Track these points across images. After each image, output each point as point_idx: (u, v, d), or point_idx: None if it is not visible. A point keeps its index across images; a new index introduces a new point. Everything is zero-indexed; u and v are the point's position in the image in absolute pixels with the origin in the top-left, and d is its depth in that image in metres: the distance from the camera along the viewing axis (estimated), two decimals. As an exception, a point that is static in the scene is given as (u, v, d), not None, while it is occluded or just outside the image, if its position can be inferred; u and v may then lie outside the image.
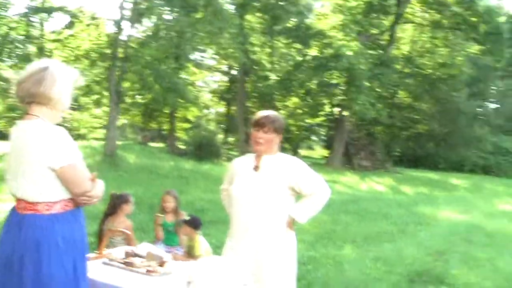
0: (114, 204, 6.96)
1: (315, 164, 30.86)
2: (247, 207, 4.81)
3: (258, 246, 4.79)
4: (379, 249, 11.38)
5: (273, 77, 40.90)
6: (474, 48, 46.70)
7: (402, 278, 8.84)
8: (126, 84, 28.39)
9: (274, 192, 4.77)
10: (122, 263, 4.57)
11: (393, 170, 42.16)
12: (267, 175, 4.82)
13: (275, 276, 4.79)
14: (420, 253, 11.07)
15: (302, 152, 57.72)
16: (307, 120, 47.54)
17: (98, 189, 3.92)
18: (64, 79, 3.87)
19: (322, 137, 58.86)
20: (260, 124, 4.85)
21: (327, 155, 47.22)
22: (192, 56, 38.50)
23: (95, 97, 32.78)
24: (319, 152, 61.97)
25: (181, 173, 24.46)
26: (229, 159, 33.27)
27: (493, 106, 72.43)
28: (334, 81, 39.74)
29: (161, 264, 4.52)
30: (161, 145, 45.53)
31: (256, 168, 4.88)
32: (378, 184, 28.49)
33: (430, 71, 49.97)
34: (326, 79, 39.06)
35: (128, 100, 36.01)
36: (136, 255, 4.71)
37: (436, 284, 8.58)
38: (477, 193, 29.62)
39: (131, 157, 27.13)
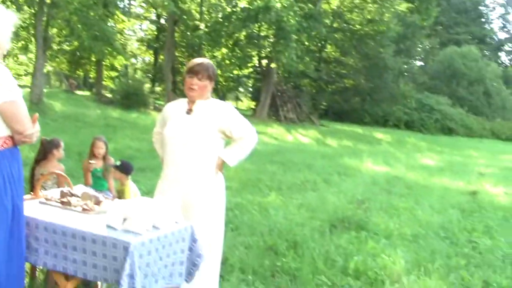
0: (45, 150, 6.93)
1: (242, 115, 31.07)
2: (180, 148, 5.01)
3: (189, 186, 5.01)
4: (303, 196, 11.76)
5: (202, 27, 40.70)
6: (403, 6, 47.42)
7: (325, 223, 9.21)
8: (53, 31, 27.92)
9: (206, 135, 4.98)
10: (59, 202, 4.71)
11: (319, 123, 42.73)
12: (199, 118, 5.02)
13: (205, 215, 5.03)
14: (342, 201, 11.46)
15: (229, 103, 57.92)
16: (235, 72, 47.61)
17: (36, 129, 4.04)
18: (1, 21, 3.91)
19: (249, 89, 59.07)
20: (194, 72, 5.03)
21: (254, 107, 47.53)
22: (120, 4, 38.02)
23: (21, 43, 32.22)
24: (246, 103, 62.27)
25: (108, 121, 24.43)
26: (156, 109, 33.35)
27: (418, 63, 73.88)
28: (263, 33, 39.83)
29: (97, 203, 4.68)
30: (87, 93, 45.00)
31: (189, 111, 5.07)
32: (303, 136, 28.98)
33: (359, 26, 50.53)
34: (255, 31, 39.13)
35: (55, 47, 35.42)
36: (72, 195, 4.85)
37: (357, 230, 8.97)
38: (400, 147, 30.42)
39: (57, 105, 26.88)
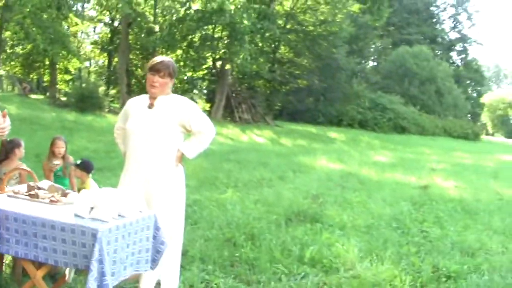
0: (6, 150, 7.00)
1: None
2: (141, 141, 5.26)
3: (150, 177, 5.26)
4: (259, 192, 12.06)
5: (156, 29, 40.66)
6: (355, 7, 47.89)
7: (281, 217, 9.51)
8: (6, 34, 27.78)
9: (166, 128, 5.25)
10: (27, 195, 4.90)
11: (274, 124, 43.04)
12: (160, 113, 5.27)
13: (165, 205, 5.28)
14: (297, 196, 11.78)
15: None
16: (189, 73, 47.65)
17: (7, 124, 4.20)
18: None
19: (204, 91, 59.14)
20: (156, 69, 5.29)
21: (208, 108, 47.61)
22: (73, 6, 37.87)
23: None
24: (201, 105, 62.27)
25: (64, 124, 24.41)
26: (111, 111, 33.31)
27: (371, 64, 74.81)
28: (217, 35, 40.01)
29: (64, 195, 4.88)
30: (41, 97, 44.63)
31: (150, 106, 5.33)
32: (258, 136, 29.29)
33: (312, 27, 50.91)
34: (209, 33, 39.30)
35: (8, 50, 35.15)
36: (39, 188, 5.05)
37: (312, 222, 9.29)
38: (353, 146, 30.90)
39: (11, 109, 26.65)
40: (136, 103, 5.49)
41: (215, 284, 6.09)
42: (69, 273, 5.22)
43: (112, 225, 4.25)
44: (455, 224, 10.60)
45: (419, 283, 6.81)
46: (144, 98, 5.46)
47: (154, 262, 4.90)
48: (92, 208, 4.36)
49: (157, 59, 5.41)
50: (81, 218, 4.30)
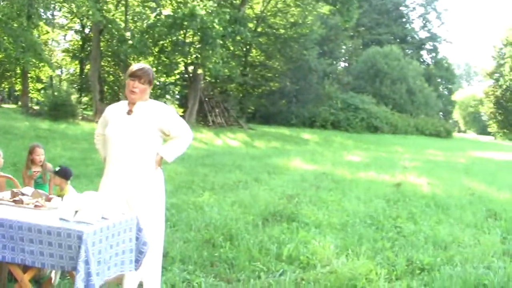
0: None
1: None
2: (121, 146, 5.42)
3: (130, 181, 5.41)
4: (236, 195, 12.22)
5: (128, 36, 40.62)
6: (325, 9, 48.23)
7: (257, 217, 9.71)
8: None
9: (145, 133, 5.41)
10: (11, 201, 5.02)
11: (247, 127, 43.21)
12: (139, 118, 5.44)
13: (146, 207, 5.44)
14: (273, 197, 12.00)
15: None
16: (161, 79, 47.65)
17: None
18: None
19: (177, 96, 59.21)
20: (136, 76, 5.46)
21: (181, 114, 47.65)
22: (43, 15, 37.79)
23: None
24: (174, 110, 62.34)
25: (38, 133, 24.39)
26: (85, 119, 33.29)
27: (342, 64, 75.30)
28: (188, 40, 40.10)
29: (48, 200, 5.03)
30: (13, 106, 44.46)
31: (129, 112, 5.49)
32: (232, 140, 29.43)
33: (282, 30, 51.20)
34: (180, 38, 39.37)
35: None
36: (22, 194, 5.19)
37: (288, 222, 9.51)
38: (327, 146, 31.13)
39: (-16, 118, 26.66)
40: (115, 110, 5.64)
41: (196, 283, 6.25)
42: (54, 276, 5.36)
43: (97, 227, 4.41)
44: (428, 219, 10.89)
45: (394, 276, 7.04)
46: (123, 105, 5.62)
47: (137, 262, 5.05)
48: (76, 212, 4.51)
49: (137, 66, 5.59)
50: (66, 221, 4.44)
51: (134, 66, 5.58)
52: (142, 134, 5.40)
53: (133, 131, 5.39)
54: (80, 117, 35.96)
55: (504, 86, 77.99)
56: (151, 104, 5.56)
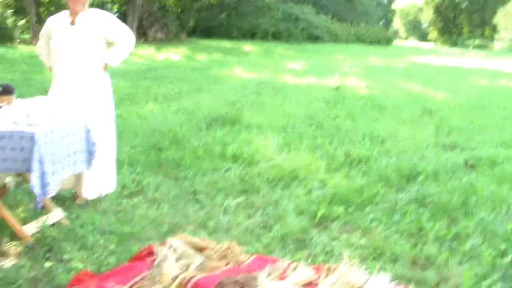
0: None
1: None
2: (68, 58, 5.61)
3: (78, 88, 5.63)
4: (179, 104, 12.44)
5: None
6: None
7: (201, 122, 10.04)
8: None
9: (90, 43, 5.62)
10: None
11: (188, 41, 42.98)
12: (83, 28, 5.62)
13: (95, 111, 5.68)
14: (215, 104, 12.33)
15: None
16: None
17: None
18: None
19: (115, 14, 58.31)
20: None
21: (121, 31, 47.00)
22: None
23: None
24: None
25: (-24, 58, 24.06)
26: (22, 42, 32.78)
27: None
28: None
29: (-3, 106, 5.21)
30: None
31: (72, 23, 5.65)
32: (173, 54, 29.33)
33: None
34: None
35: None
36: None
37: (231, 125, 9.86)
38: (268, 57, 31.25)
39: None
40: (57, 21, 5.77)
41: (146, 182, 6.55)
42: (8, 184, 5.57)
43: (47, 129, 4.63)
44: (366, 118, 11.36)
45: (333, 167, 7.46)
46: (64, 15, 5.76)
47: (89, 162, 5.33)
48: (27, 115, 4.73)
49: None
50: (18, 124, 4.65)
51: None
52: (87, 44, 5.60)
53: (78, 42, 5.58)
54: (18, 41, 35.32)
55: (444, -6, 78.53)
56: (92, 13, 5.74)
